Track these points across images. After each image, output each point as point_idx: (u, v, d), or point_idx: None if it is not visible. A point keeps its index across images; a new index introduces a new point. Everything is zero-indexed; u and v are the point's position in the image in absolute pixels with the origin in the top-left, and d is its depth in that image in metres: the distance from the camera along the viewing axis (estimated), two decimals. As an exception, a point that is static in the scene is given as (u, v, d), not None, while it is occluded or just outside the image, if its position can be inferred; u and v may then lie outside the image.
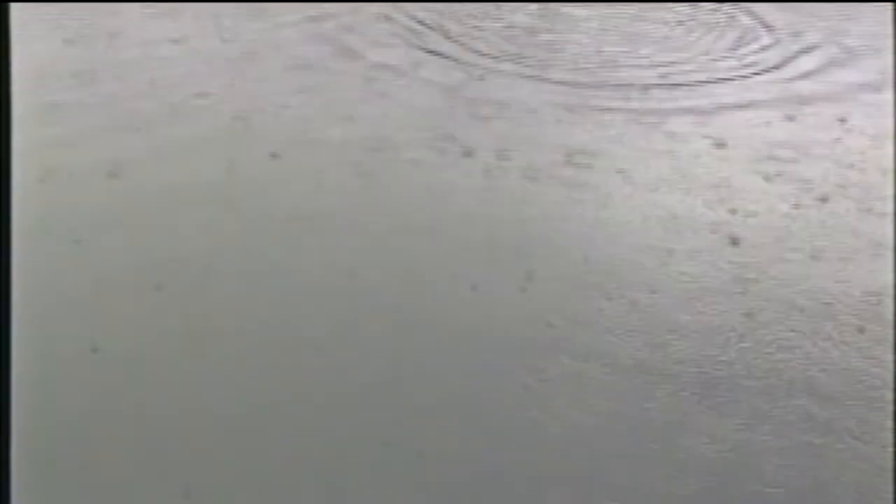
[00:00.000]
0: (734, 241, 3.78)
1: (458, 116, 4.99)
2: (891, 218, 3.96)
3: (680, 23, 6.65)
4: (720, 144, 4.68)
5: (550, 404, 2.81)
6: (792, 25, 6.44)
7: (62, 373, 2.87)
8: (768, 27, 6.45)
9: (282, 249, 3.64)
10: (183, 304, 3.28)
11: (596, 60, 5.92)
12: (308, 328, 3.17)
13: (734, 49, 6.13)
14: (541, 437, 2.68)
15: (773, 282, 3.51)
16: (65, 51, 5.71)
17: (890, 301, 3.38)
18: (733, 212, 4.02)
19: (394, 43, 6.08)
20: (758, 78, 5.64)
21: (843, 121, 4.99)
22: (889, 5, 5.87)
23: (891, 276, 3.54)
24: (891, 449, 2.66)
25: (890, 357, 3.07)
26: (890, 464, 2.61)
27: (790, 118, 5.04)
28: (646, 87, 5.46)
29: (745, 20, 6.62)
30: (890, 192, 4.17)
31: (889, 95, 5.15)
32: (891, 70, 5.38)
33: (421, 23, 6.42)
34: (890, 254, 3.69)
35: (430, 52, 5.95)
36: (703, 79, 5.64)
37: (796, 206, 4.08)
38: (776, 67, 5.78)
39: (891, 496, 2.49)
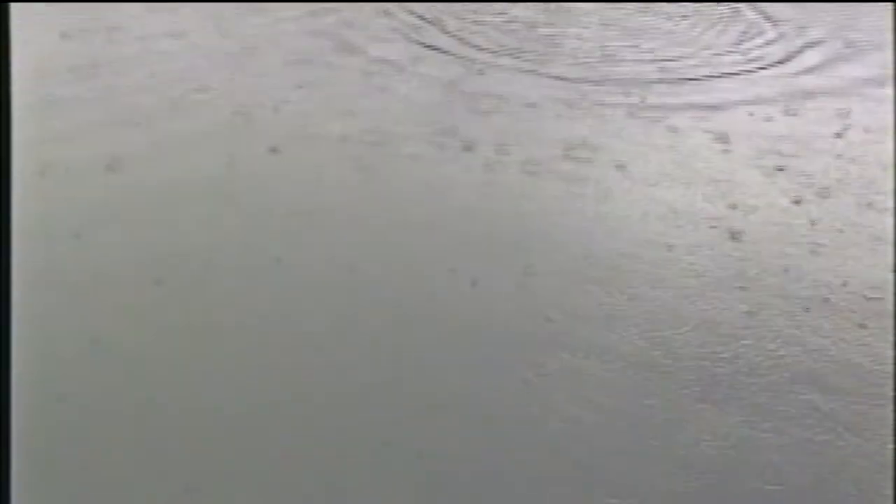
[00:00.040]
0: (735, 236, 3.77)
1: (457, 111, 4.98)
2: (891, 213, 3.96)
3: (684, 17, 6.64)
4: (721, 139, 4.67)
5: (550, 400, 2.81)
6: (796, 21, 6.44)
7: (61, 368, 2.87)
8: (772, 22, 6.45)
9: (281, 244, 3.63)
10: (182, 298, 3.27)
11: (597, 55, 5.92)
12: (307, 322, 3.17)
13: (738, 44, 6.13)
14: (540, 433, 2.68)
15: (773, 276, 3.51)
16: (63, 45, 5.70)
17: (890, 296, 3.38)
18: (734, 206, 4.01)
19: (393, 38, 6.07)
20: (760, 73, 5.64)
21: (844, 116, 4.99)
22: (889, 5, 5.88)
23: (891, 270, 3.54)
24: (891, 445, 2.66)
25: (890, 353, 3.07)
26: (890, 460, 2.60)
27: (791, 113, 5.04)
28: (647, 83, 5.46)
29: (750, 15, 6.62)
30: (890, 186, 4.17)
31: (890, 91, 5.16)
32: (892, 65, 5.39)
33: (420, 17, 6.42)
34: (890, 248, 3.68)
35: (430, 46, 5.95)
36: (706, 73, 5.64)
37: (797, 201, 4.08)
38: (779, 63, 5.78)
39: (891, 492, 2.49)
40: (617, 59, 5.87)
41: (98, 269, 3.42)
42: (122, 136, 4.50)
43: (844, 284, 3.47)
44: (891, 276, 3.50)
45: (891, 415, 2.78)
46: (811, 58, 5.82)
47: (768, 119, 4.96)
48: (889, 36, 5.68)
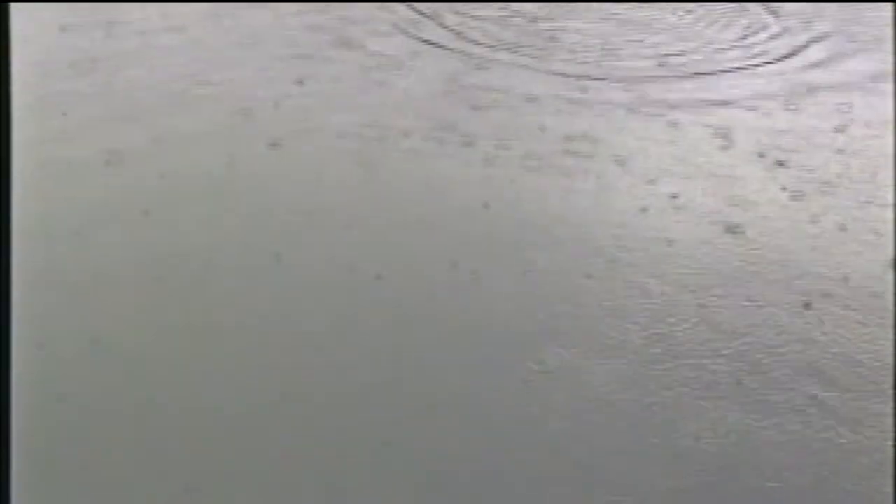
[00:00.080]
0: (735, 231, 3.77)
1: (457, 106, 4.97)
2: (892, 208, 3.96)
3: (688, 12, 6.63)
4: (722, 134, 4.67)
5: (550, 397, 2.81)
6: (799, 16, 6.43)
7: (62, 368, 2.86)
8: (776, 17, 6.45)
9: (281, 241, 3.63)
10: (182, 297, 3.27)
11: (598, 50, 5.91)
12: (307, 322, 3.16)
13: (741, 39, 6.12)
14: (540, 432, 2.67)
15: (773, 271, 3.51)
16: (62, 40, 5.69)
17: (891, 291, 3.38)
18: (734, 201, 4.01)
19: (392, 33, 6.06)
20: (761, 68, 5.63)
21: (845, 111, 4.99)
22: (889, 5, 5.88)
23: (892, 266, 3.54)
24: (891, 441, 2.66)
25: (890, 349, 3.07)
26: (890, 456, 2.60)
27: (792, 108, 5.04)
28: (648, 77, 5.46)
29: (754, 10, 6.61)
30: (891, 181, 4.16)
31: (891, 86, 5.16)
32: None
33: (419, 12, 6.41)
34: (891, 243, 3.68)
35: (429, 42, 5.94)
36: (707, 68, 5.64)
37: (798, 197, 4.08)
38: (781, 58, 5.78)
39: (891, 490, 2.49)
40: (618, 53, 5.86)
41: (98, 267, 3.42)
42: (121, 132, 4.49)
43: (845, 279, 3.47)
44: (891, 271, 3.50)
45: (890, 410, 2.78)
46: (813, 53, 5.82)
47: (769, 114, 4.96)
48: (890, 31, 5.68)
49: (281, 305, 3.25)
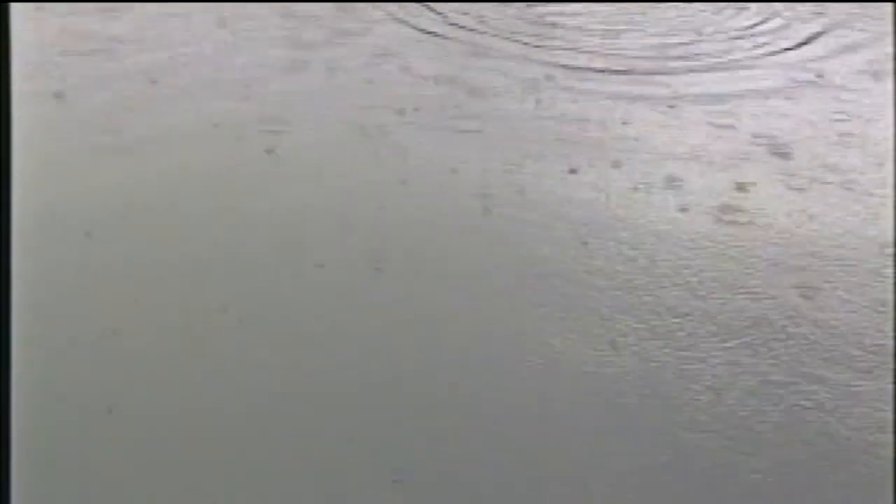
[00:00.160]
0: (737, 223, 3.77)
1: (455, 97, 4.98)
2: (891, 199, 3.97)
3: (690, 3, 6.65)
4: (724, 126, 4.68)
5: (550, 395, 2.81)
6: (803, 9, 6.46)
7: (62, 368, 2.86)
8: (781, 9, 6.47)
9: (281, 239, 3.63)
10: (183, 297, 3.26)
11: (599, 40, 5.91)
12: (307, 321, 3.16)
13: (744, 30, 6.14)
14: (540, 431, 2.67)
15: (774, 263, 3.51)
16: (63, 35, 5.71)
17: (890, 287, 3.38)
18: (736, 193, 4.02)
19: (389, 23, 6.08)
20: (765, 60, 5.65)
21: (846, 104, 5.00)
22: (889, 5, 5.91)
23: (890, 259, 3.54)
24: (891, 438, 2.66)
25: (890, 345, 3.07)
26: (890, 454, 2.60)
27: (794, 100, 5.05)
28: (650, 68, 5.47)
29: (756, 3, 6.63)
30: (891, 173, 4.18)
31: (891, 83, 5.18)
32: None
33: (418, 2, 6.43)
34: (890, 235, 3.69)
35: (427, 31, 5.95)
36: (710, 59, 5.65)
37: (799, 189, 4.08)
38: (784, 50, 5.79)
39: (891, 488, 2.49)
40: (620, 44, 5.87)
41: (98, 266, 3.42)
42: (120, 129, 4.50)
43: (844, 273, 3.47)
44: (890, 265, 3.51)
45: (891, 408, 2.77)
46: (816, 46, 5.84)
47: (771, 107, 4.97)
48: (890, 27, 5.71)
49: (281, 305, 3.25)
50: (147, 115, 4.70)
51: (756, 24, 6.27)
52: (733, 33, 6.11)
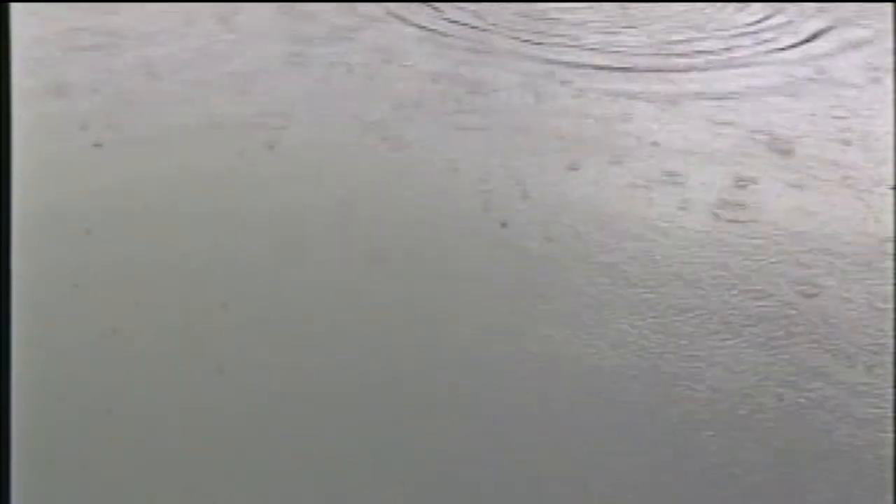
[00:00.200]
0: (737, 220, 3.77)
1: (455, 95, 4.98)
2: (891, 196, 3.97)
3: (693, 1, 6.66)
4: (725, 123, 4.68)
5: (550, 394, 2.80)
6: (805, 7, 6.45)
7: (62, 368, 2.86)
8: (783, 6, 6.47)
9: (281, 238, 3.63)
10: (183, 297, 3.26)
11: (600, 39, 5.91)
12: (307, 321, 3.16)
13: (745, 27, 6.14)
14: (540, 431, 2.67)
15: (776, 261, 3.51)
16: (62, 32, 5.71)
17: (890, 284, 3.38)
18: (736, 190, 4.01)
19: (389, 20, 6.08)
20: (767, 57, 5.65)
21: (847, 101, 5.00)
22: (889, 5, 5.91)
23: (890, 256, 3.54)
24: (891, 437, 2.66)
25: (891, 343, 3.07)
26: (890, 452, 2.60)
27: (796, 98, 5.05)
28: (650, 65, 5.47)
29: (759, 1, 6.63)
30: (891, 175, 4.18)
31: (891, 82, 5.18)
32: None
33: (418, 0, 6.43)
34: (891, 231, 3.69)
35: (427, 29, 5.95)
36: (711, 56, 5.65)
37: (800, 186, 4.08)
38: (787, 47, 5.79)
39: (891, 488, 2.49)
40: (621, 41, 5.87)
41: (99, 266, 3.41)
42: (120, 127, 4.50)
43: (844, 270, 3.46)
44: (891, 264, 3.51)
45: (890, 407, 2.77)
46: (817, 43, 5.84)
47: (772, 103, 4.97)
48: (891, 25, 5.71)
49: (281, 304, 3.24)
50: (147, 111, 4.70)
51: (758, 21, 6.27)
52: (735, 30, 6.11)
